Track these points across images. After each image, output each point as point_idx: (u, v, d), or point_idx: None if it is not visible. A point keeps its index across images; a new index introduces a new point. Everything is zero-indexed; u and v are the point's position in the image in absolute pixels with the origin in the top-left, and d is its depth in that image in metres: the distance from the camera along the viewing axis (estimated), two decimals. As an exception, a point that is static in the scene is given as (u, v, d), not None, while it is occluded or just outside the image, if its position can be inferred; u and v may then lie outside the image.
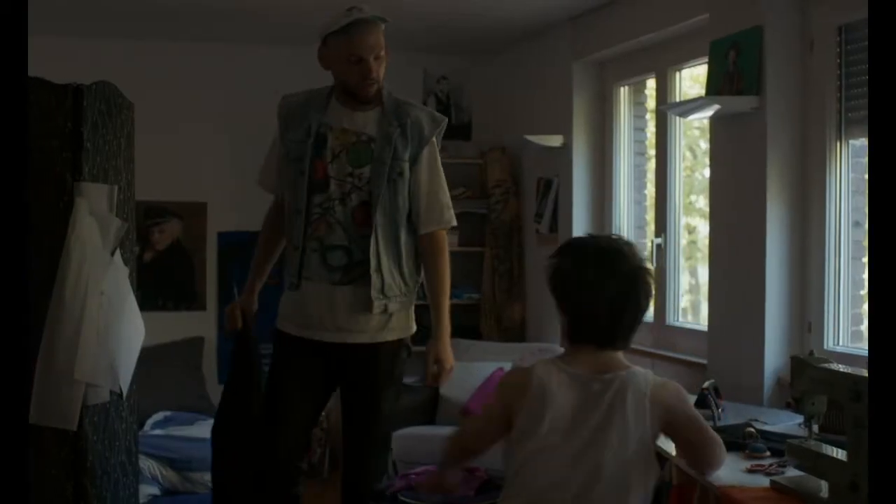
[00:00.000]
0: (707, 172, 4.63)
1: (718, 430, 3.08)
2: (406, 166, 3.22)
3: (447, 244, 3.32)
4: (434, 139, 3.30)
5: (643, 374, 2.34)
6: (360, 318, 3.23)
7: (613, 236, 2.49)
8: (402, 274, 3.26)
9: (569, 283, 2.35)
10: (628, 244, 2.40)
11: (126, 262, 3.74)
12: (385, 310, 3.23)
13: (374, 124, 3.24)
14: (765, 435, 2.98)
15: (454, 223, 3.34)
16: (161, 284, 6.23)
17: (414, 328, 3.38)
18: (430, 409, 5.67)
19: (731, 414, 3.47)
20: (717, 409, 3.39)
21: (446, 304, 3.29)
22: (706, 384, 3.56)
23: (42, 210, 3.44)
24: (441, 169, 3.32)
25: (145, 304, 6.12)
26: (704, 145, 5.06)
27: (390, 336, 3.28)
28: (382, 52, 3.21)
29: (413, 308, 3.36)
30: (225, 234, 6.27)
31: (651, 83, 5.28)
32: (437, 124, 3.30)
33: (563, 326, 2.40)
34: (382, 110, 3.25)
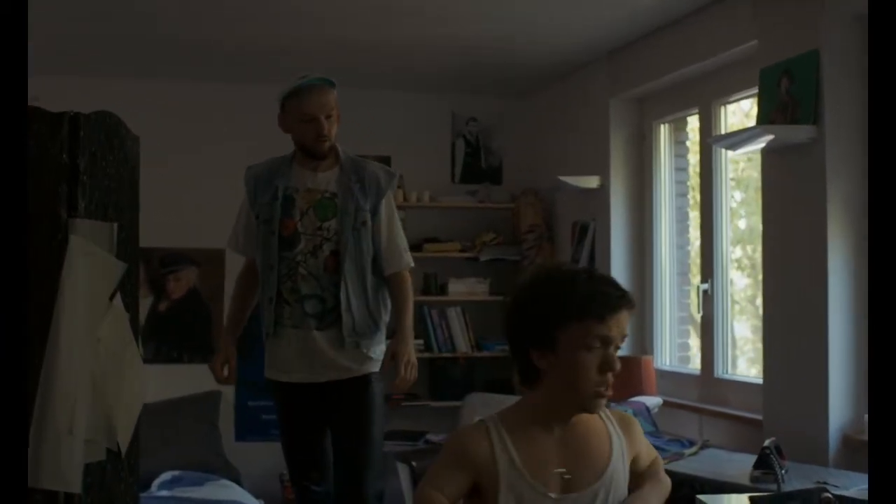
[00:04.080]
0: (742, 224, 4.35)
1: (787, 496, 2.73)
2: (368, 216, 3.58)
3: (409, 281, 3.70)
4: (390, 191, 3.66)
5: None
6: (336, 357, 3.56)
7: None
8: (370, 312, 3.59)
9: None
10: None
11: (127, 308, 3.44)
12: (357, 346, 3.56)
13: (335, 182, 3.61)
14: (843, 501, 2.63)
15: (412, 264, 3.70)
16: (176, 335, 6.02)
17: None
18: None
19: (797, 476, 3.13)
20: (781, 470, 3.04)
21: (409, 318, 3.64)
22: (767, 443, 3.22)
23: (35, 249, 3.15)
24: (398, 217, 3.70)
25: (159, 356, 6.00)
26: (740, 196, 4.76)
27: (371, 368, 3.60)
28: (333, 113, 3.59)
29: (385, 343, 3.66)
30: (244, 282, 5.98)
31: (693, 120, 4.99)
32: (391, 177, 3.68)
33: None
34: (341, 168, 3.63)
